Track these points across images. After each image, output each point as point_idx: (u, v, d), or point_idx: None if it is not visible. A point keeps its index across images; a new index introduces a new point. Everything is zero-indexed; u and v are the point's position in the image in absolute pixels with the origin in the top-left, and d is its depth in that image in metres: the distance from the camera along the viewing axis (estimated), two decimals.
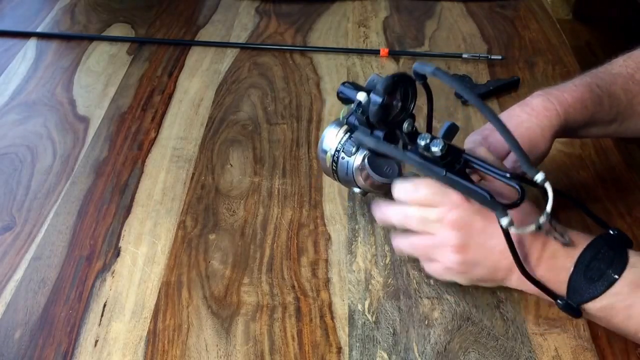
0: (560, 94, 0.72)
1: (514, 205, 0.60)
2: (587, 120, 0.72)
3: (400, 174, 0.72)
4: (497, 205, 0.58)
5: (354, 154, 0.70)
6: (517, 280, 0.63)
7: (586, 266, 0.60)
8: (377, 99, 0.64)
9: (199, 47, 1.15)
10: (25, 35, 1.20)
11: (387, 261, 0.73)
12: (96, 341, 0.66)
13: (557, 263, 0.61)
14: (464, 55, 1.09)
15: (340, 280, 0.71)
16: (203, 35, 1.19)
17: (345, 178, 0.73)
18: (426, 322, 0.66)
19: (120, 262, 0.74)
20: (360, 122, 0.68)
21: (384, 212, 0.68)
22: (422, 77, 0.64)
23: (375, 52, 1.11)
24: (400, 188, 0.66)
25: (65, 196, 0.83)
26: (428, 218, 0.64)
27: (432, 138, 0.64)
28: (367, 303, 0.68)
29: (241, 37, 1.18)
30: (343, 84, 0.71)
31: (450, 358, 0.63)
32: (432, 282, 0.70)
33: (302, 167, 0.87)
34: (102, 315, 0.68)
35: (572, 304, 0.61)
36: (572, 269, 0.60)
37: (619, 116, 0.74)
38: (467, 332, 0.65)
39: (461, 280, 0.66)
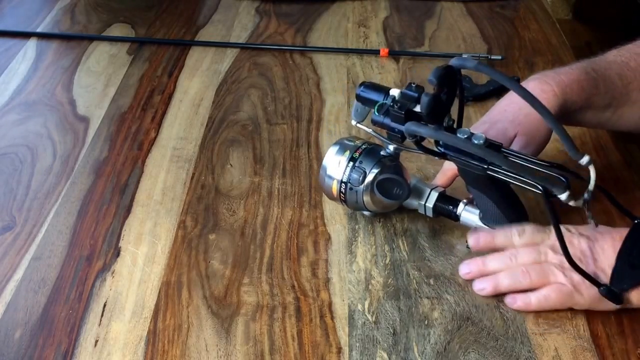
0: (557, 75, 0.72)
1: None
2: (583, 103, 0.72)
3: (409, 194, 0.72)
4: (559, 180, 0.61)
5: (362, 182, 0.71)
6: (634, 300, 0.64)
7: (629, 254, 0.62)
8: (432, 79, 0.63)
9: (199, 47, 1.15)
10: (26, 35, 1.20)
11: (387, 261, 0.73)
12: (96, 341, 0.66)
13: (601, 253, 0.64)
14: (464, 55, 1.08)
15: (340, 280, 0.71)
16: (203, 35, 1.19)
17: (355, 206, 0.74)
18: (426, 322, 0.66)
19: (120, 262, 0.74)
20: (395, 119, 0.66)
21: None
22: (457, 73, 0.64)
23: (375, 52, 1.11)
24: (502, 236, 0.69)
25: (65, 196, 0.83)
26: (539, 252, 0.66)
27: (472, 133, 0.64)
28: (367, 303, 0.68)
29: (241, 37, 1.18)
30: (363, 84, 0.70)
31: (450, 358, 0.63)
32: (432, 282, 0.70)
33: (302, 167, 0.87)
34: (102, 315, 0.68)
35: (615, 291, 0.62)
36: (615, 256, 0.63)
37: (613, 101, 0.74)
38: (467, 332, 0.65)
39: (578, 302, 0.65)
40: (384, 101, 0.67)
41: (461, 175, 0.71)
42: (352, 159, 0.72)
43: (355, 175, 0.71)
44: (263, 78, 1.06)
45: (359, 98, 0.70)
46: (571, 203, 0.61)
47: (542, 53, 1.11)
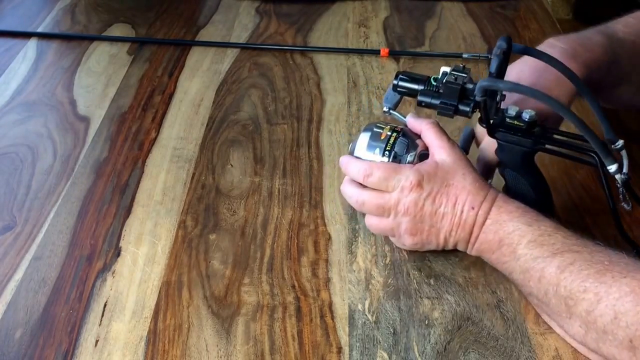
0: (585, 52, 0.74)
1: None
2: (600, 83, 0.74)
3: None
4: (609, 152, 0.63)
5: (404, 154, 0.71)
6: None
7: None
8: (502, 43, 0.65)
9: (199, 47, 1.15)
10: (26, 35, 1.20)
11: (387, 261, 0.73)
12: (96, 341, 0.66)
13: None
14: (464, 55, 1.09)
15: (341, 280, 0.71)
16: (203, 35, 1.19)
17: None
18: (426, 322, 0.66)
19: (121, 262, 0.74)
20: (449, 92, 0.68)
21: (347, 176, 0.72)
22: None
23: (376, 52, 1.11)
24: (354, 168, 0.70)
25: (66, 196, 0.83)
26: (384, 206, 0.69)
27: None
28: (367, 303, 0.68)
29: (241, 38, 1.18)
30: (400, 73, 0.73)
31: (450, 358, 0.63)
32: (432, 282, 0.70)
33: (302, 167, 0.87)
34: (102, 315, 0.68)
35: None
36: None
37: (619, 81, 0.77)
38: (467, 332, 0.65)
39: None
40: (435, 76, 0.71)
41: (499, 156, 0.72)
42: (395, 130, 0.72)
43: (400, 147, 0.71)
44: (263, 78, 1.06)
45: (396, 89, 0.73)
46: (617, 176, 0.63)
47: None
